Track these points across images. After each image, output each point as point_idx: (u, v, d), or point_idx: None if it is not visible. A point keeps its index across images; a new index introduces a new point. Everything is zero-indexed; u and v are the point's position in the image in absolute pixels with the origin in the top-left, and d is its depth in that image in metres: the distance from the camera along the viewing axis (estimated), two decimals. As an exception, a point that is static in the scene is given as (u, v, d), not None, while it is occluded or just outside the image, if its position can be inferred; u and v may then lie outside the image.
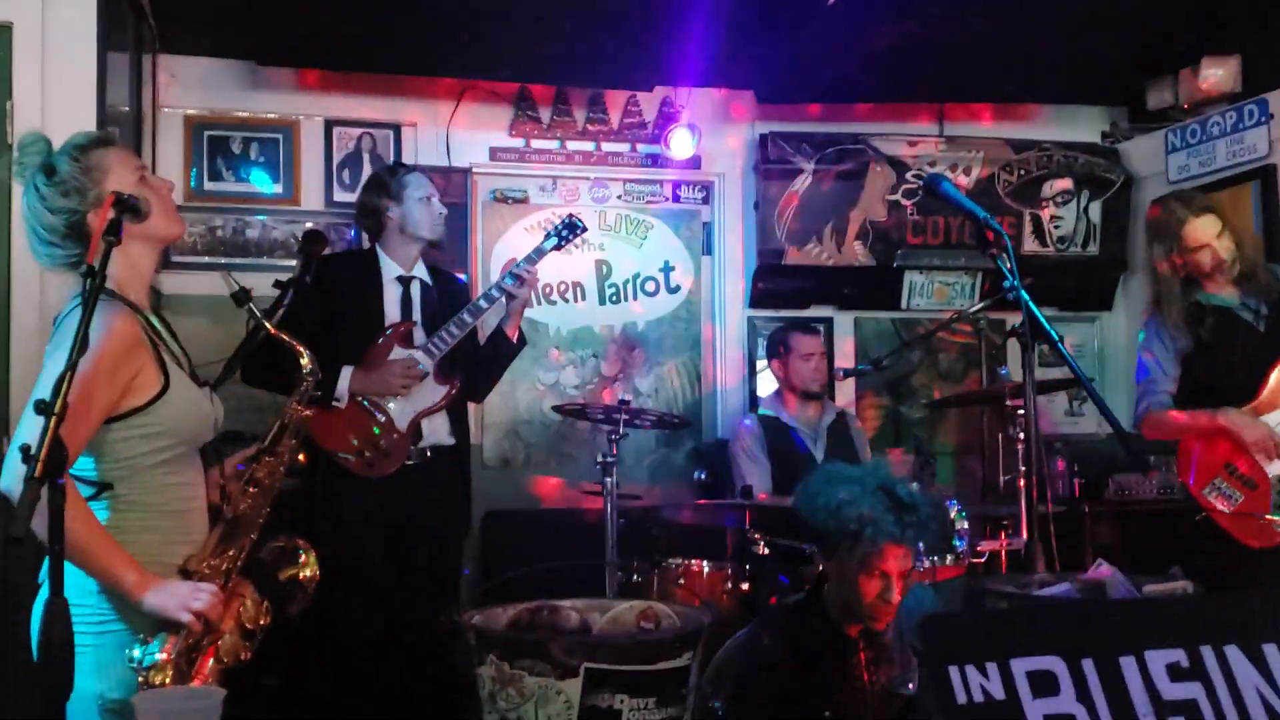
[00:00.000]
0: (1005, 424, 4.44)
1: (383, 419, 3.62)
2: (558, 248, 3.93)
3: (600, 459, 3.95)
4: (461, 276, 4.65)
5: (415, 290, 3.78)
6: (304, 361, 2.49)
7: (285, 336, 2.48)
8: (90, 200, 2.18)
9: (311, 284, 3.66)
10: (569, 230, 3.93)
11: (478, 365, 3.89)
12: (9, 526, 1.74)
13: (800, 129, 5.35)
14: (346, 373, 3.59)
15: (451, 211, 4.92)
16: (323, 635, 3.40)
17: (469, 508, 3.93)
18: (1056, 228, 5.53)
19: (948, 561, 3.82)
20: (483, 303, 3.72)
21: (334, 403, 3.59)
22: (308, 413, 2.47)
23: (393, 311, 3.73)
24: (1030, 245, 5.49)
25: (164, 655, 2.01)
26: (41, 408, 1.80)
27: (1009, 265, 2.67)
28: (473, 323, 3.69)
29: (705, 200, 5.45)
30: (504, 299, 3.77)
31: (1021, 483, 3.97)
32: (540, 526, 4.80)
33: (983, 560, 4.17)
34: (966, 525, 3.91)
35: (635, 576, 4.02)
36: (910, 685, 2.53)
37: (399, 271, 3.77)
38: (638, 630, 1.84)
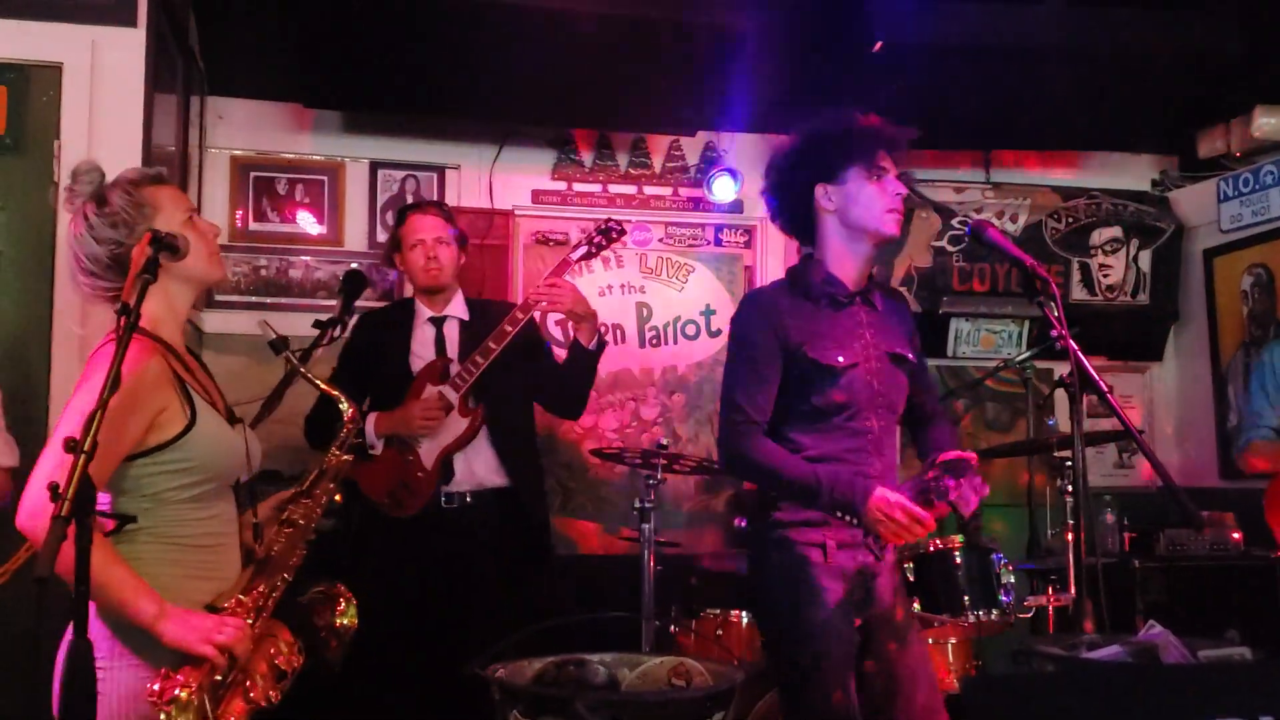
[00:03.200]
0: (1053, 476, 4.35)
1: (411, 458, 3.60)
2: (587, 256, 3.81)
3: (637, 505, 3.90)
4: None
5: (451, 329, 3.75)
6: (344, 408, 2.50)
7: (323, 384, 2.52)
8: (137, 235, 2.18)
9: (352, 337, 3.72)
10: (602, 236, 3.77)
11: (561, 382, 3.80)
12: (34, 567, 1.73)
13: (844, 174, 5.30)
14: (370, 419, 3.61)
15: (493, 253, 4.97)
16: (359, 679, 3.35)
17: (535, 552, 3.76)
18: (1105, 276, 5.44)
19: (993, 617, 3.71)
20: (507, 327, 3.59)
21: (370, 451, 3.61)
22: (348, 458, 2.46)
23: (425, 353, 3.71)
24: (1079, 294, 5.40)
25: (186, 691, 1.97)
26: (71, 446, 1.79)
27: (1056, 313, 2.61)
28: (497, 349, 3.57)
29: (747, 244, 5.41)
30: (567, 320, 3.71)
31: (1070, 536, 3.88)
32: (576, 573, 4.73)
33: (1029, 616, 4.07)
34: (1013, 580, 3.81)
35: (672, 626, 3.95)
36: (910, 356, 2.75)
37: (430, 313, 3.76)
38: (668, 688, 1.78)
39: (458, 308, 3.80)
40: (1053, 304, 2.62)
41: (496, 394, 3.67)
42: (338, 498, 4.14)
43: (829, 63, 4.54)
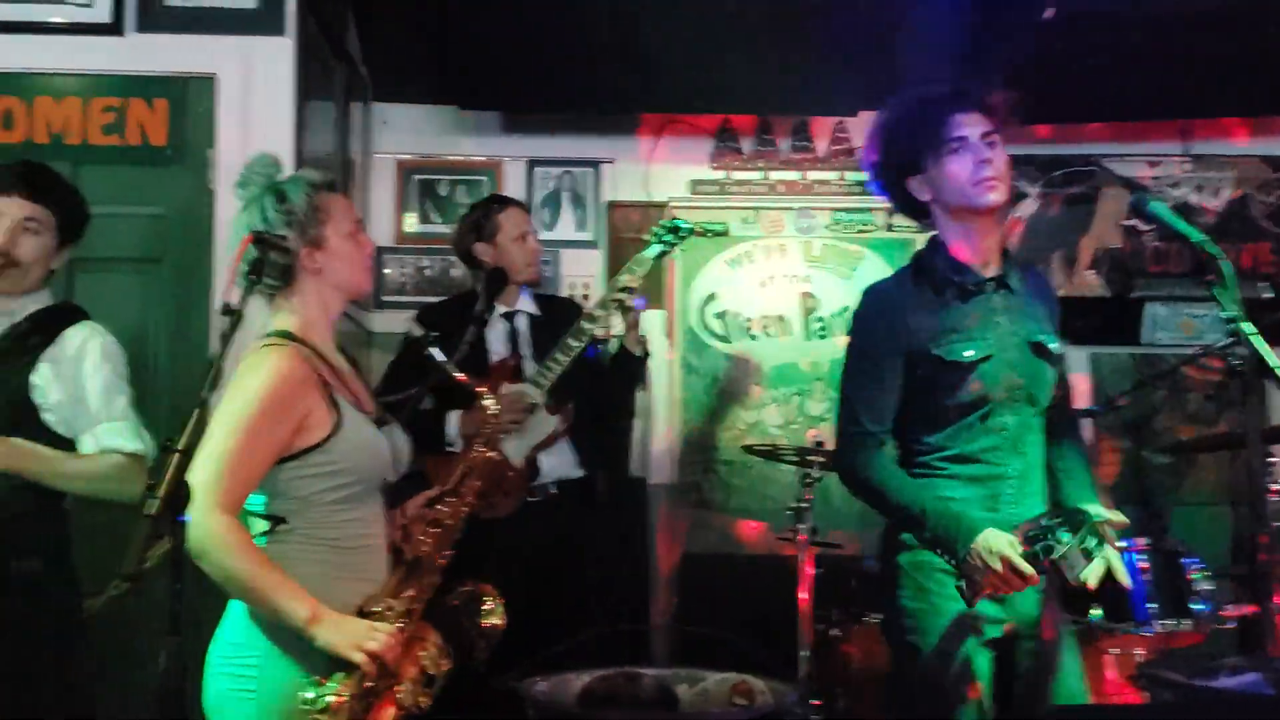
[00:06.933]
0: (1263, 473, 3.97)
1: (497, 457, 3.55)
2: (662, 256, 3.77)
3: (792, 504, 3.75)
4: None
5: (521, 324, 3.71)
6: (486, 403, 2.47)
7: (469, 381, 2.49)
8: (308, 238, 2.20)
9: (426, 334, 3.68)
10: (672, 234, 3.76)
11: (602, 385, 3.74)
12: (123, 565, 1.76)
13: (1025, 151, 4.97)
14: (453, 417, 3.56)
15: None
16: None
17: (623, 542, 3.76)
18: (1324, 253, 4.96)
19: (1183, 626, 3.40)
20: (585, 324, 3.55)
21: (447, 448, 3.54)
22: (491, 454, 2.44)
23: (499, 348, 3.68)
24: (1293, 273, 4.93)
25: (337, 698, 1.98)
26: (167, 446, 1.83)
27: (1229, 295, 2.35)
28: (579, 346, 3.54)
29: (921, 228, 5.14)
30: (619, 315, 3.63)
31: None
32: (739, 572, 4.61)
33: (1229, 626, 3.74)
34: (1210, 587, 3.49)
35: (834, 629, 3.82)
36: (1054, 347, 2.48)
37: (502, 309, 3.71)
38: (726, 709, 1.65)
39: (528, 303, 3.77)
40: (1225, 283, 2.36)
41: (568, 390, 3.62)
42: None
43: (997, 32, 4.26)
